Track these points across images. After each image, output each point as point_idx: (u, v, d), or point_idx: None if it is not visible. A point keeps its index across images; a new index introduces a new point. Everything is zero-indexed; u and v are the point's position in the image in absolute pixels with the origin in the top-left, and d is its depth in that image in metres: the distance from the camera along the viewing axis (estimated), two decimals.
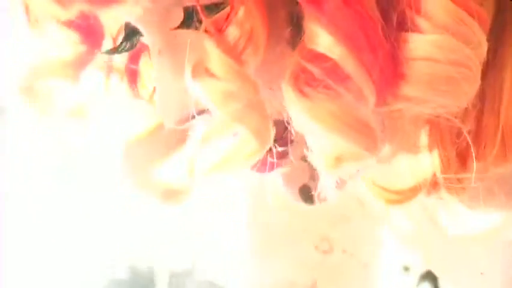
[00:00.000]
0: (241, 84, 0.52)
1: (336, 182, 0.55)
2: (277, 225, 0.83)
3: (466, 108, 0.55)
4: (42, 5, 0.52)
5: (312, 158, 0.54)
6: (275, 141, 0.57)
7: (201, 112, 0.55)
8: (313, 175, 0.60)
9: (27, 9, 0.60)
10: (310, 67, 0.51)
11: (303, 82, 0.51)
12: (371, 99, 0.51)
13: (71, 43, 0.63)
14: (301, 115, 0.51)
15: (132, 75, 0.67)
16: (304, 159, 0.57)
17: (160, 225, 1.49)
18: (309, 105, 0.51)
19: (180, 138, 0.65)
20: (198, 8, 0.51)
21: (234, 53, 0.51)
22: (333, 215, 0.83)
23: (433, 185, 0.60)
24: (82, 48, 0.64)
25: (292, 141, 0.59)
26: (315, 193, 0.58)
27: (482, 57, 0.53)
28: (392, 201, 0.62)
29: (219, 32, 0.52)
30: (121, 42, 0.59)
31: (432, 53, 0.51)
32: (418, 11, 0.51)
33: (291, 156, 0.59)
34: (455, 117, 0.55)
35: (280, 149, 0.58)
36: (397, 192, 0.62)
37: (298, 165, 0.59)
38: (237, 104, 0.52)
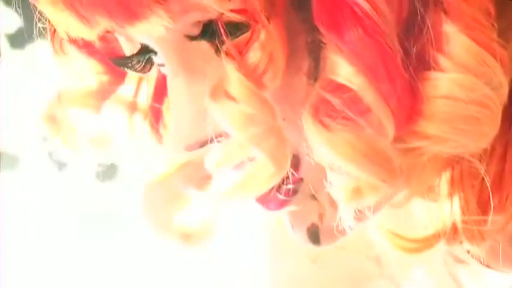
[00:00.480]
0: (261, 108, 0.52)
1: (355, 213, 0.54)
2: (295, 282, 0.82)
3: (486, 150, 0.55)
4: (68, 24, 0.53)
5: (331, 190, 0.53)
6: (286, 178, 0.56)
7: (215, 138, 0.55)
8: (322, 214, 0.59)
9: (52, 35, 0.60)
10: (330, 98, 0.51)
11: (323, 113, 0.51)
12: (390, 130, 0.51)
13: (94, 73, 0.63)
14: (320, 146, 0.51)
15: (156, 115, 0.67)
16: (313, 197, 0.58)
17: (176, 275, 1.48)
18: (328, 136, 0.51)
19: (202, 181, 0.64)
20: (219, 26, 0.52)
21: (253, 76, 0.52)
22: (352, 275, 0.81)
23: (453, 233, 0.59)
24: (105, 78, 0.64)
25: (302, 179, 0.58)
26: (322, 234, 0.58)
27: (503, 98, 0.53)
28: (409, 250, 0.61)
29: (240, 54, 0.52)
30: (131, 55, 0.58)
31: (453, 91, 0.52)
32: (439, 50, 0.52)
33: (310, 187, 0.58)
34: (474, 157, 0.55)
35: (289, 186, 0.58)
36: (415, 241, 0.61)
37: (307, 203, 0.59)
38: (256, 128, 0.52)
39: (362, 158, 0.51)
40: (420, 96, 0.52)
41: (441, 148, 0.53)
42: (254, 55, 0.52)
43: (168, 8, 0.50)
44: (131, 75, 0.66)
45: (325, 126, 0.51)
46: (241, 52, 0.52)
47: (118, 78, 0.65)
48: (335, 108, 0.51)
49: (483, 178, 0.57)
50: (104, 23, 0.52)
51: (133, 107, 0.67)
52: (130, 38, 0.56)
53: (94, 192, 1.63)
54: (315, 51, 0.53)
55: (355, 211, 0.54)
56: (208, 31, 0.53)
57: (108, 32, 0.55)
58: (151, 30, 0.51)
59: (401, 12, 0.52)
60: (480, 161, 0.56)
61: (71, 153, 0.66)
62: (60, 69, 0.63)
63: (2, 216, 1.62)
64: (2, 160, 1.62)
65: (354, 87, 0.50)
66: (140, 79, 0.66)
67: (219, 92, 0.52)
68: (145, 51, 0.57)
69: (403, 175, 0.53)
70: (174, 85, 0.56)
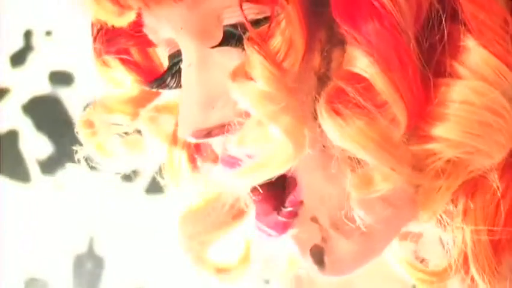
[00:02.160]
0: (278, 87, 0.54)
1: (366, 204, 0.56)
2: None
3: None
4: (102, 12, 0.57)
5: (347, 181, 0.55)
6: (283, 204, 0.59)
7: (221, 127, 0.57)
8: (325, 237, 0.59)
9: (98, 54, 0.63)
10: (345, 86, 0.53)
11: (337, 100, 0.54)
12: (402, 120, 0.54)
13: (133, 82, 0.66)
14: (333, 132, 0.53)
15: (196, 147, 0.68)
16: (314, 219, 0.59)
17: None
18: (340, 122, 0.53)
19: (236, 214, 0.66)
20: (245, 22, 0.55)
21: (275, 61, 0.54)
22: None
23: (464, 266, 0.59)
24: (143, 87, 0.66)
25: (302, 202, 0.59)
26: (326, 256, 0.59)
27: None
28: (428, 282, 0.62)
29: (262, 41, 0.55)
30: (163, 72, 0.61)
31: (469, 96, 0.54)
32: (457, 59, 0.55)
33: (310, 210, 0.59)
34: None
35: (289, 209, 0.59)
36: (429, 273, 0.62)
37: (308, 226, 0.60)
38: (273, 105, 0.54)
39: (372, 144, 0.53)
40: (436, 97, 0.55)
41: (455, 152, 0.55)
42: (275, 41, 0.54)
43: None
44: (172, 106, 0.68)
45: (338, 112, 0.53)
46: (263, 40, 0.55)
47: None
48: (349, 97, 0.53)
49: (499, 215, 0.58)
50: (133, 2, 0.55)
51: (173, 139, 0.69)
52: (156, 31, 0.59)
53: None
54: (329, 50, 0.56)
55: (365, 202, 0.55)
56: (230, 37, 0.56)
57: (139, 20, 0.59)
58: (173, 15, 0.55)
59: (420, 12, 0.54)
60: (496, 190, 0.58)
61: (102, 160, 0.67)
62: (103, 79, 0.66)
63: None
64: (32, 285, 1.63)
65: (368, 76, 0.53)
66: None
67: (240, 73, 0.55)
68: (174, 62, 0.60)
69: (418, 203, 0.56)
70: (187, 73, 0.58)
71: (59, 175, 1.61)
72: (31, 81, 1.59)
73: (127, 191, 1.59)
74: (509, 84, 0.54)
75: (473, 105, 0.54)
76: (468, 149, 0.55)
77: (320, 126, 0.55)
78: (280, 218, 0.59)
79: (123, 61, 0.65)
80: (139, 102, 0.67)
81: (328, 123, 0.54)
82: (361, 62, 0.53)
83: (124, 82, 0.66)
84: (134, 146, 0.68)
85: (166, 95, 0.67)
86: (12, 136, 1.60)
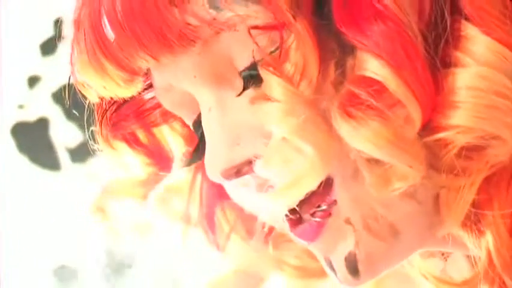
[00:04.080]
0: (298, 101, 0.54)
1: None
2: None
3: None
4: (106, 83, 0.58)
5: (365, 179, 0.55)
6: (318, 206, 0.58)
7: (249, 163, 0.57)
8: (358, 240, 0.59)
9: (100, 130, 0.64)
10: (357, 90, 0.54)
11: (349, 104, 0.54)
12: (417, 118, 0.54)
13: (141, 164, 0.66)
14: (348, 135, 0.54)
15: (210, 225, 0.67)
16: (348, 221, 0.58)
17: None
18: (354, 124, 0.54)
19: (257, 283, 0.66)
20: (257, 48, 0.55)
21: (291, 81, 0.54)
22: None
23: (492, 269, 0.59)
24: (151, 169, 0.67)
25: (335, 201, 0.58)
26: (360, 264, 0.58)
27: None
28: None
29: (276, 63, 0.55)
30: (193, 151, 0.62)
31: (475, 82, 0.55)
32: (462, 49, 0.55)
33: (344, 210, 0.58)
34: None
35: (323, 207, 0.59)
36: (458, 284, 0.62)
37: (341, 229, 0.59)
38: (295, 119, 0.54)
39: (387, 143, 0.54)
40: (444, 87, 0.55)
41: (466, 138, 0.55)
42: (289, 65, 0.55)
43: (199, 30, 0.55)
44: (180, 186, 0.68)
45: (350, 115, 0.54)
46: (277, 62, 0.55)
47: (165, 168, 0.67)
48: (361, 99, 0.54)
49: None
50: (140, 62, 0.55)
51: (187, 219, 0.69)
52: (169, 88, 0.59)
53: None
54: (343, 59, 0.56)
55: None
56: (249, 79, 0.57)
57: (146, 87, 0.59)
58: (184, 64, 0.56)
59: (423, 7, 0.55)
60: None
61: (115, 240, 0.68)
62: (109, 161, 0.66)
63: None
64: (61, 273, 1.63)
65: (380, 78, 0.53)
66: (191, 191, 0.68)
67: (259, 96, 0.56)
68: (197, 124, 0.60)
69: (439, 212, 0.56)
70: (208, 118, 0.58)
71: (90, 163, 1.60)
72: (61, 69, 1.58)
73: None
74: None
75: (479, 90, 0.54)
76: (479, 133, 0.55)
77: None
78: (314, 219, 0.59)
79: (130, 144, 0.65)
80: (148, 184, 0.67)
81: (342, 126, 0.54)
82: (372, 65, 0.53)
83: (133, 165, 0.66)
84: (145, 229, 0.68)
85: (175, 175, 0.67)
86: (42, 124, 1.60)
